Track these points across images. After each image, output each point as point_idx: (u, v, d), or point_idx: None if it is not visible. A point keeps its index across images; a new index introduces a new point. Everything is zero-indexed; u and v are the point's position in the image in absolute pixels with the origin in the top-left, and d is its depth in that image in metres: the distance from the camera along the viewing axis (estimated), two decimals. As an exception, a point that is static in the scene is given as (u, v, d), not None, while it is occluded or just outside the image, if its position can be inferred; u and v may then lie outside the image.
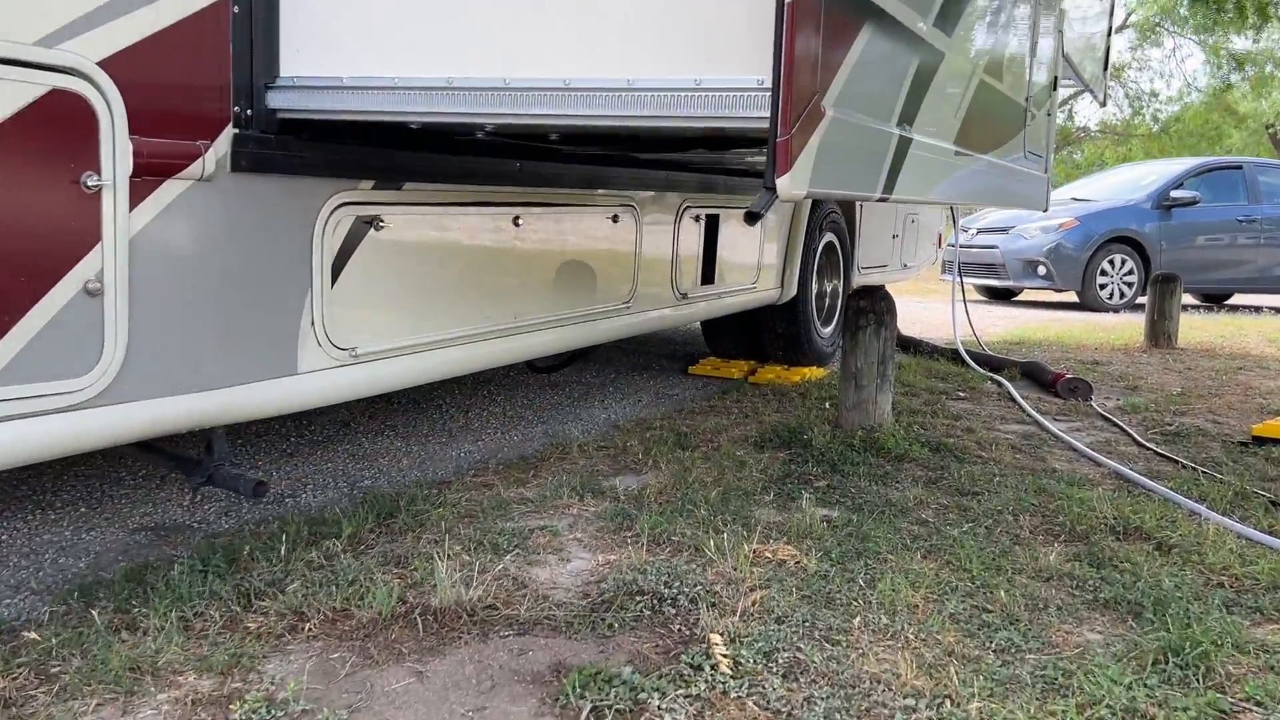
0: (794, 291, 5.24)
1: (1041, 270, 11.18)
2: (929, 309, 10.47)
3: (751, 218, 2.61)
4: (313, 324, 2.43)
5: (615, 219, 3.57)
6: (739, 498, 3.13)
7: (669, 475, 3.37)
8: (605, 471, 3.45)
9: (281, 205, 2.35)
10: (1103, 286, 11.13)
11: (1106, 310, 10.99)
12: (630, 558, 2.57)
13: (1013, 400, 5.08)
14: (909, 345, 6.85)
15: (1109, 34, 6.58)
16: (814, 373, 5.49)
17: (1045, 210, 4.97)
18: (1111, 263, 11.11)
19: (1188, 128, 27.60)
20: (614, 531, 2.80)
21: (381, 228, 2.60)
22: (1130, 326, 8.77)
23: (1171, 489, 3.37)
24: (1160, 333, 7.36)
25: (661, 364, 5.88)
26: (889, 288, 4.54)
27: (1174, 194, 11.32)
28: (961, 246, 11.89)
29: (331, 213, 2.46)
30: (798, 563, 2.57)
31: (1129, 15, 25.60)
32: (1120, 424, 4.54)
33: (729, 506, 3.02)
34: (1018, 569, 2.59)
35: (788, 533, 2.78)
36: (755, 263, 4.83)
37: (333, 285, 2.47)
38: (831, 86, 2.04)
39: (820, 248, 5.55)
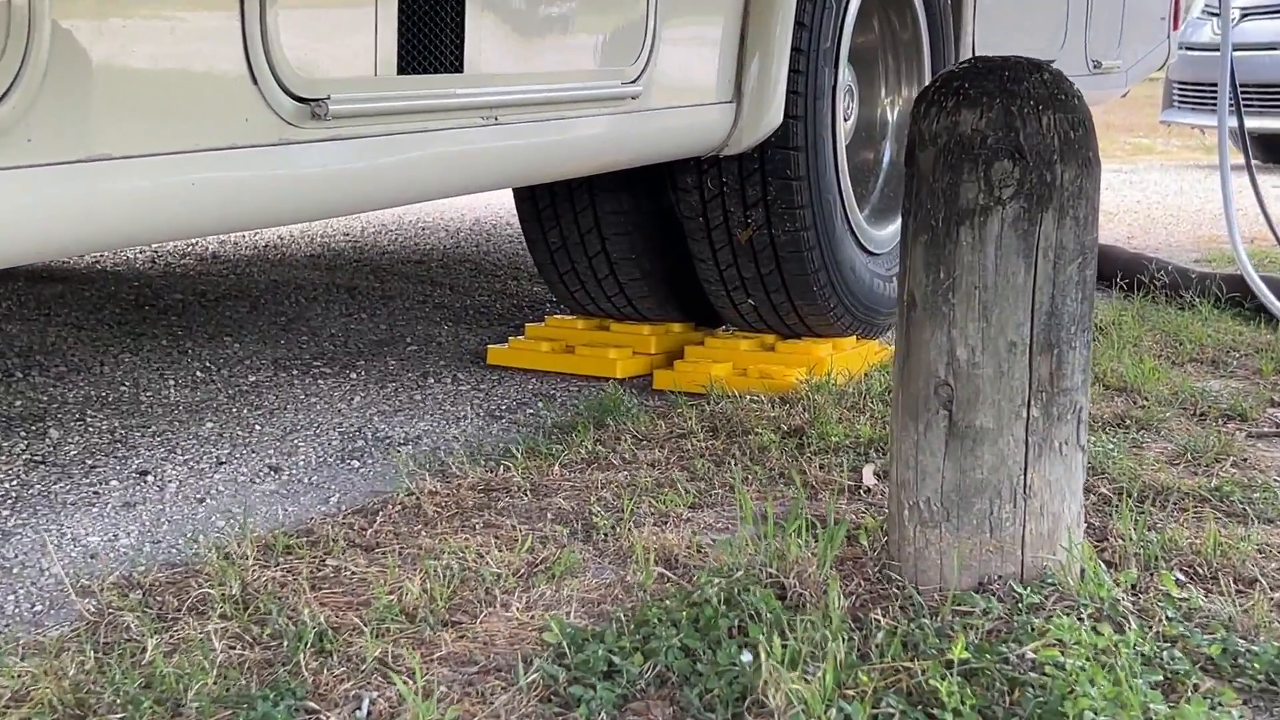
0: (778, 120, 1.95)
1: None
2: (1142, 182, 6.58)
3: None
4: None
5: None
6: None
7: None
8: None
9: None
10: None
11: None
12: None
13: None
14: (1112, 270, 3.24)
15: None
16: (845, 356, 2.15)
17: None
18: None
19: None
20: None
21: None
22: None
23: None
24: None
25: (436, 332, 2.59)
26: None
27: None
28: (1207, 51, 6.38)
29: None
30: None
31: None
32: None
33: None
34: None
35: None
36: (639, 27, 1.66)
37: None
38: None
39: (854, 11, 2.19)
